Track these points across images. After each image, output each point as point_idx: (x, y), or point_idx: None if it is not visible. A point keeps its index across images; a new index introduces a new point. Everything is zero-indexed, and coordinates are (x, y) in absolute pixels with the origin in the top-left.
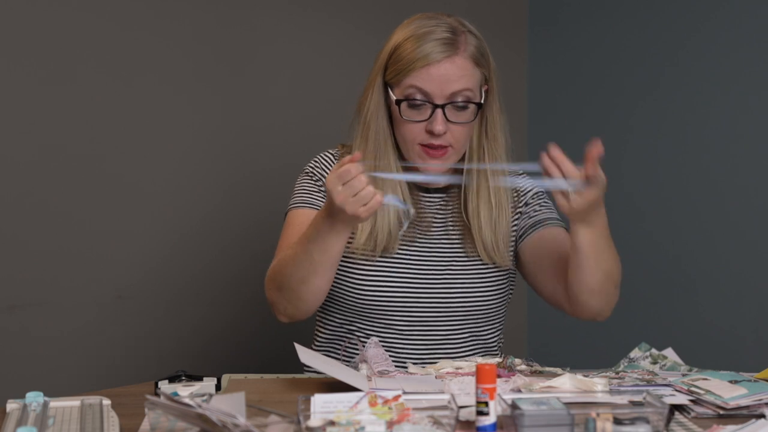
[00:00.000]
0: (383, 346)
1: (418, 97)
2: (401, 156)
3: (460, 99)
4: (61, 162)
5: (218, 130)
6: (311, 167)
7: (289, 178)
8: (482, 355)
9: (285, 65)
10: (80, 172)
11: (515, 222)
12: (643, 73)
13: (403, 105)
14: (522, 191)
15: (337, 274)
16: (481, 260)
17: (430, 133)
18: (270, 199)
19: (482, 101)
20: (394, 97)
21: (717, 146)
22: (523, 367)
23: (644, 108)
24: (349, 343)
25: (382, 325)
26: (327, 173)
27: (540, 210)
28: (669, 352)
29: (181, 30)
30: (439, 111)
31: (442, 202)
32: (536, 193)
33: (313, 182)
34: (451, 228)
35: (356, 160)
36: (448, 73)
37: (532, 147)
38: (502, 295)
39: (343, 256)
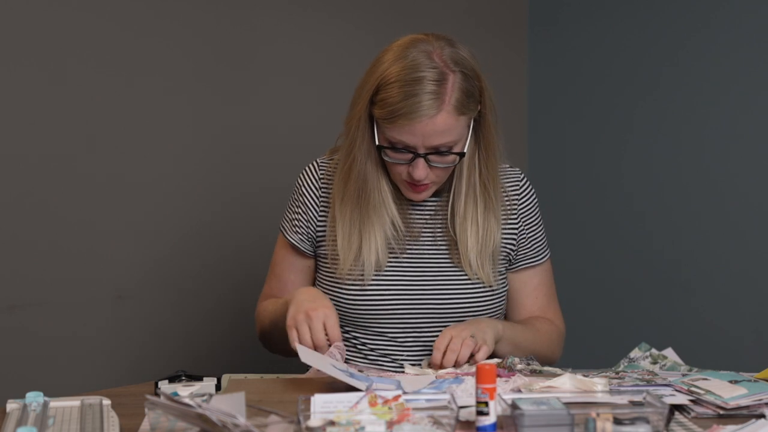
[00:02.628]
0: (379, 353)
1: (400, 146)
2: (387, 173)
3: (442, 149)
4: (61, 162)
5: (218, 130)
6: (296, 186)
7: (289, 177)
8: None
9: (285, 65)
10: (80, 172)
11: (511, 236)
12: (643, 73)
13: (386, 149)
14: (520, 197)
15: (328, 288)
16: (467, 274)
17: (411, 175)
18: (270, 199)
19: (466, 147)
20: (377, 141)
21: (717, 146)
22: (522, 366)
23: (644, 108)
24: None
25: (376, 333)
26: (308, 191)
27: (528, 244)
28: (669, 352)
29: (181, 30)
30: (420, 159)
31: (431, 211)
32: (532, 217)
33: (293, 204)
34: (439, 237)
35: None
36: (430, 131)
37: (532, 147)
38: (495, 301)
39: (332, 277)
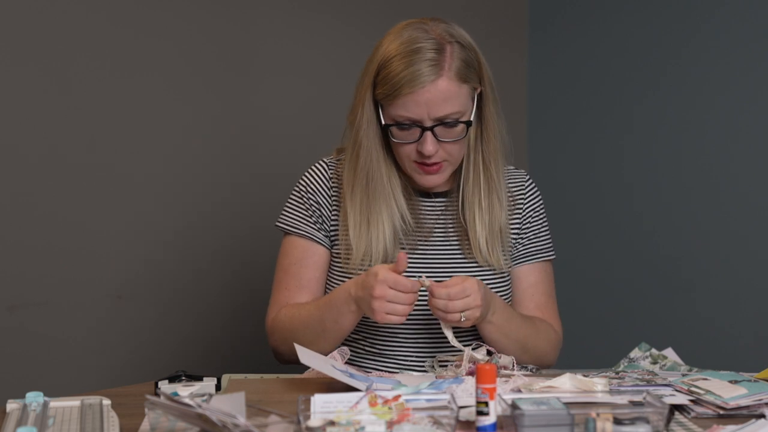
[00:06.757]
0: (389, 355)
1: (407, 122)
2: (395, 165)
3: (448, 120)
4: (60, 162)
5: (218, 130)
6: (303, 183)
7: (288, 177)
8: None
9: (285, 65)
10: (80, 172)
11: (515, 229)
12: (643, 74)
13: (393, 128)
14: (526, 199)
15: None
16: (478, 263)
17: (421, 153)
18: (270, 199)
19: (472, 117)
20: (383, 121)
21: (717, 146)
22: (484, 353)
23: (644, 108)
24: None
25: (387, 335)
26: (319, 189)
27: (529, 241)
28: (669, 352)
29: (181, 30)
30: (428, 133)
31: (442, 207)
32: (535, 217)
33: (303, 201)
34: (451, 231)
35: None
36: (434, 98)
37: (532, 147)
38: (506, 288)
39: (343, 273)
